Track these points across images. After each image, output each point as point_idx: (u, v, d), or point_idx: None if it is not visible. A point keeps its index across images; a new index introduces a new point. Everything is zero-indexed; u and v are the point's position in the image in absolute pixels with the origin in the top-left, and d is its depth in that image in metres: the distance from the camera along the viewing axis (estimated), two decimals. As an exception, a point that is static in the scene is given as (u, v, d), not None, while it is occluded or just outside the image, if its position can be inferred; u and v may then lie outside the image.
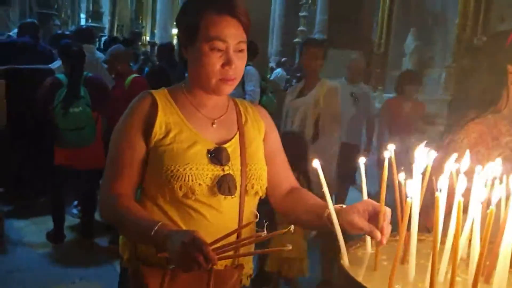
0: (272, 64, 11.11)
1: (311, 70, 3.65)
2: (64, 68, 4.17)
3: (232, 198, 1.37)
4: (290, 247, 1.05)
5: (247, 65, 1.45)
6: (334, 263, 3.30)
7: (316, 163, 1.12)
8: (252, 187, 1.40)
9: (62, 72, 4.16)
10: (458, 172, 1.00)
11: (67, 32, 7.59)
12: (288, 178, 1.54)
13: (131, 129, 1.38)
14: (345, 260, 1.08)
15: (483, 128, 1.73)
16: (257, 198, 1.45)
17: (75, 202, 4.86)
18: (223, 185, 1.34)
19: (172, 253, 1.14)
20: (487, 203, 0.90)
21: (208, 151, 1.37)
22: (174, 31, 16.49)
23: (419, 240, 1.08)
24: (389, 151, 1.12)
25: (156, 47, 8.73)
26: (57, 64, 4.89)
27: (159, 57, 6.23)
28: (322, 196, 1.23)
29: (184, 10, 1.42)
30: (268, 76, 8.79)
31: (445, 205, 1.01)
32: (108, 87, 4.32)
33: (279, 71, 10.01)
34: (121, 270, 1.57)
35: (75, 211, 4.80)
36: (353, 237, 1.20)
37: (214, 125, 1.43)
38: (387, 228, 1.14)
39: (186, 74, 1.51)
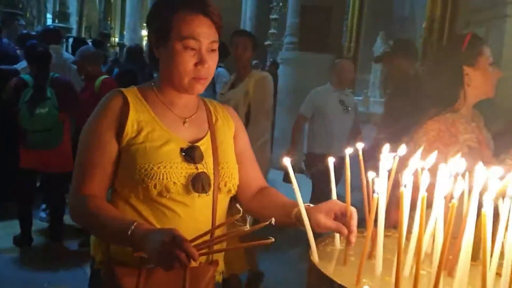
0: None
1: (241, 61, 3.60)
2: (30, 69, 4.10)
3: (205, 196, 1.38)
4: (273, 240, 1.06)
5: (218, 66, 1.47)
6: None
7: (286, 160, 1.14)
8: (225, 185, 1.42)
9: (27, 72, 4.09)
10: (420, 169, 1.04)
11: (33, 33, 7.43)
12: (257, 178, 1.56)
13: (101, 128, 1.37)
14: (315, 256, 1.11)
15: (441, 126, 1.83)
16: (229, 195, 1.47)
17: (43, 206, 4.77)
18: (197, 183, 1.35)
19: (151, 252, 1.14)
20: (450, 198, 0.93)
21: (181, 150, 1.37)
22: (144, 32, 16.34)
23: (386, 236, 1.11)
24: (358, 149, 1.15)
25: (125, 49, 8.63)
26: (23, 64, 4.79)
27: (128, 59, 6.17)
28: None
29: (156, 9, 1.42)
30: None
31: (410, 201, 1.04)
32: (75, 88, 4.26)
33: (250, 73, 10.04)
34: (92, 273, 1.53)
35: (43, 214, 4.71)
36: (322, 234, 1.23)
37: (186, 124, 1.44)
38: (354, 226, 1.18)
39: (155, 75, 1.51)
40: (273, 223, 1.12)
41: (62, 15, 13.63)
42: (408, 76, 3.40)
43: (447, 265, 1.10)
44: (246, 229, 1.11)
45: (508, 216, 0.95)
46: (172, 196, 1.34)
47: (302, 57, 7.72)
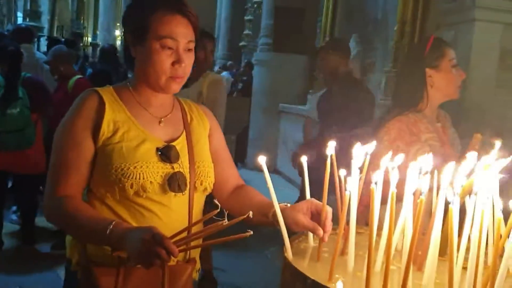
0: (217, 68, 11.14)
1: (197, 61, 3.60)
2: (1, 69, 4.02)
3: (182, 195, 1.39)
4: (251, 233, 1.08)
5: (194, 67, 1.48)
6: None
7: (261, 159, 1.16)
8: (201, 184, 1.43)
9: (-2, 72, 4.01)
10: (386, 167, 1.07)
11: (5, 32, 7.28)
12: (233, 176, 1.57)
13: (77, 129, 1.36)
14: (289, 253, 1.13)
15: (401, 126, 1.90)
16: (206, 194, 1.48)
17: (14, 208, 4.68)
18: (173, 183, 1.36)
19: (131, 250, 1.14)
20: (418, 195, 0.97)
21: (157, 149, 1.38)
22: (118, 32, 16.18)
23: (357, 233, 1.14)
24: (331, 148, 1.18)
25: (98, 49, 8.54)
26: (-7, 64, 4.69)
27: (102, 60, 6.11)
28: None
29: (133, 8, 1.43)
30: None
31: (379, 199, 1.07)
32: (47, 88, 4.20)
33: (225, 74, 10.05)
34: (68, 275, 1.50)
35: (14, 217, 4.62)
36: (297, 232, 1.26)
37: (161, 124, 1.45)
38: (329, 226, 1.21)
39: (129, 76, 1.52)
40: (251, 217, 1.14)
41: (33, 13, 13.37)
42: (337, 73, 3.48)
43: (416, 260, 1.14)
44: (224, 224, 1.12)
45: (474, 212, 0.98)
46: (148, 196, 1.34)
47: (276, 58, 7.77)
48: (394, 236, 1.10)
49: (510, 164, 1.08)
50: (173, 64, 1.36)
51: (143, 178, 1.33)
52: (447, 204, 0.95)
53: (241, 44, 11.74)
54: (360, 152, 1.10)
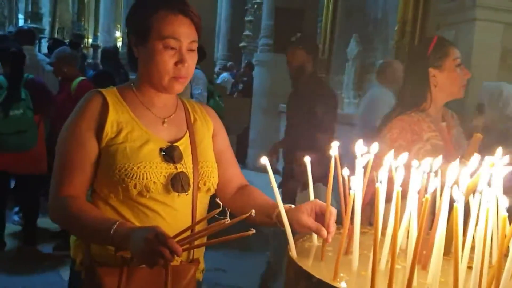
0: (217, 68, 11.14)
1: None
2: (3, 70, 4.03)
3: (185, 195, 1.39)
4: (254, 231, 1.08)
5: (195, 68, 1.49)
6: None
7: (264, 159, 1.16)
8: (204, 184, 1.43)
9: (1, 74, 4.02)
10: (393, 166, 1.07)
11: (6, 34, 7.29)
12: (237, 176, 1.57)
13: (81, 129, 1.36)
14: (293, 252, 1.13)
15: (403, 125, 1.91)
16: (209, 194, 1.49)
17: (16, 208, 4.69)
18: (176, 183, 1.36)
19: (135, 250, 1.15)
20: (423, 194, 0.97)
21: (161, 150, 1.38)
22: (118, 34, 16.18)
23: (362, 233, 1.14)
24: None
25: (99, 50, 8.54)
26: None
27: (104, 61, 6.12)
28: None
29: (135, 9, 1.43)
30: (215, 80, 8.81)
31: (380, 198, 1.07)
32: (49, 90, 4.21)
33: (225, 75, 10.06)
34: (72, 275, 1.51)
35: (16, 217, 4.63)
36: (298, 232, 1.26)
37: (165, 124, 1.45)
38: (333, 227, 1.21)
39: (131, 77, 1.52)
40: (253, 215, 1.14)
41: (34, 15, 13.40)
42: (303, 70, 3.50)
43: (421, 259, 1.14)
44: (227, 222, 1.12)
45: (479, 211, 0.98)
46: (152, 196, 1.35)
47: (277, 59, 7.73)
48: (399, 235, 1.10)
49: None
50: (176, 64, 1.36)
51: (147, 178, 1.33)
52: (451, 202, 0.95)
53: (241, 44, 11.76)
54: (363, 150, 1.10)
